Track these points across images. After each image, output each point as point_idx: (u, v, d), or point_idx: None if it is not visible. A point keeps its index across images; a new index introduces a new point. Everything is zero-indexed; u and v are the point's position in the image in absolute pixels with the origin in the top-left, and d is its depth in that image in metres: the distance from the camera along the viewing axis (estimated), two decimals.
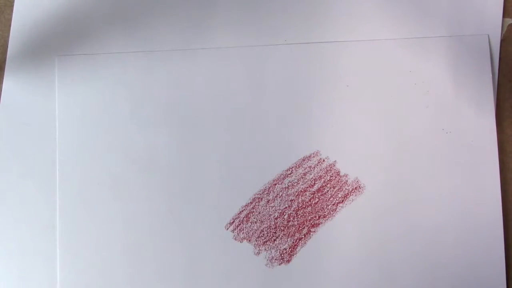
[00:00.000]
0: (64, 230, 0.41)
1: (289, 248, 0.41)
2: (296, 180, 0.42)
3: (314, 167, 0.42)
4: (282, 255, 0.41)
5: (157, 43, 0.43)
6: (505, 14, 0.43)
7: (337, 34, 0.43)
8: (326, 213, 0.41)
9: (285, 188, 0.42)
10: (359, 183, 0.41)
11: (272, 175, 0.42)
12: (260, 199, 0.42)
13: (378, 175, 0.41)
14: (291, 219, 0.41)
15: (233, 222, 0.41)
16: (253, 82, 0.42)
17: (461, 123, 0.42)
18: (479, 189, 0.41)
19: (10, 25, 0.43)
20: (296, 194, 0.42)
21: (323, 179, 0.42)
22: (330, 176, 0.42)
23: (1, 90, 0.43)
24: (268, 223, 0.42)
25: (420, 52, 0.42)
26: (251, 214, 0.41)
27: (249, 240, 0.41)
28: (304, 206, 0.42)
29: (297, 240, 0.41)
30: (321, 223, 0.41)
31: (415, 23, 0.43)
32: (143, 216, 0.41)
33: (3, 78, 0.43)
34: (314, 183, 0.42)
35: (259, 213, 0.42)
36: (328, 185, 0.42)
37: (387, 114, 0.42)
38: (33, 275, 0.41)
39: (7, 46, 0.43)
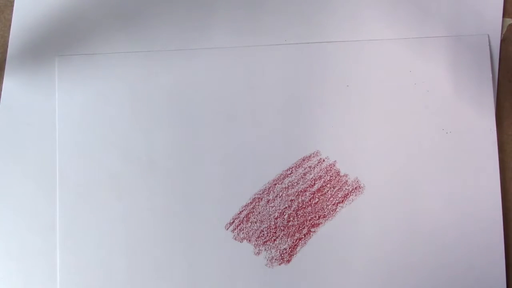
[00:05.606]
0: (64, 230, 0.41)
1: (289, 248, 0.41)
2: (296, 180, 0.42)
3: (314, 167, 0.42)
4: (282, 255, 0.41)
5: (157, 43, 0.43)
6: (505, 14, 0.43)
7: (337, 34, 0.43)
8: (326, 213, 0.41)
9: (285, 188, 0.42)
10: (359, 183, 0.41)
11: (272, 175, 0.42)
12: (260, 199, 0.42)
13: (378, 175, 0.41)
14: (291, 219, 0.41)
15: (233, 222, 0.41)
16: (253, 82, 0.42)
17: (461, 123, 0.42)
18: (479, 189, 0.41)
19: (10, 25, 0.43)
20: (296, 194, 0.42)
21: (323, 179, 0.42)
22: (330, 176, 0.42)
23: (1, 90, 0.43)
24: (268, 223, 0.41)
25: (420, 52, 0.42)
26: (251, 214, 0.41)
27: (249, 240, 0.41)
28: (304, 206, 0.42)
29: (297, 240, 0.41)
30: (321, 223, 0.41)
31: (415, 23, 0.43)
32: (143, 216, 0.41)
33: (3, 78, 0.43)
34: (314, 183, 0.42)
35: (259, 213, 0.42)
36: (328, 185, 0.42)
37: (387, 114, 0.42)
38: (33, 275, 0.41)
39: (7, 46, 0.43)
